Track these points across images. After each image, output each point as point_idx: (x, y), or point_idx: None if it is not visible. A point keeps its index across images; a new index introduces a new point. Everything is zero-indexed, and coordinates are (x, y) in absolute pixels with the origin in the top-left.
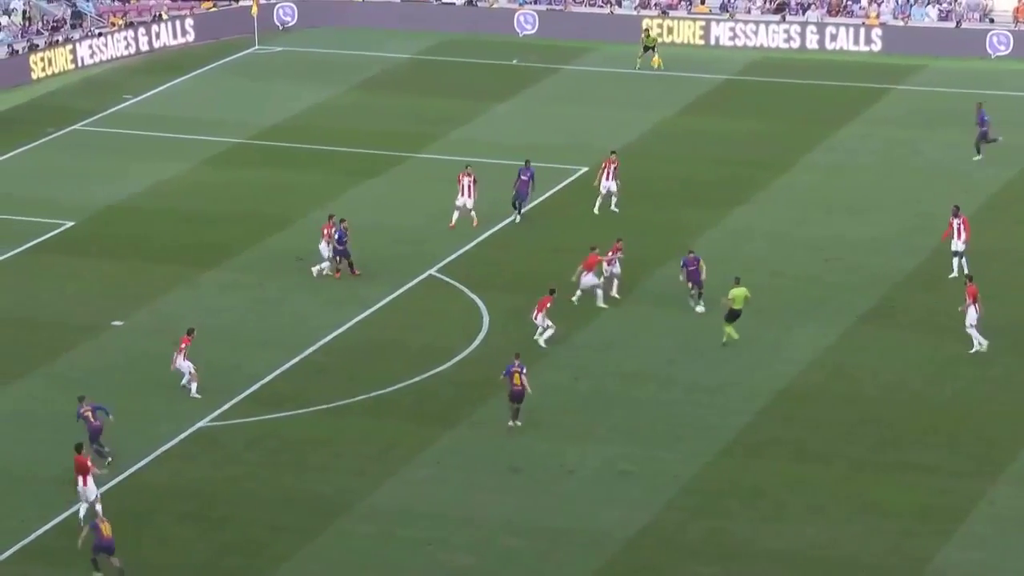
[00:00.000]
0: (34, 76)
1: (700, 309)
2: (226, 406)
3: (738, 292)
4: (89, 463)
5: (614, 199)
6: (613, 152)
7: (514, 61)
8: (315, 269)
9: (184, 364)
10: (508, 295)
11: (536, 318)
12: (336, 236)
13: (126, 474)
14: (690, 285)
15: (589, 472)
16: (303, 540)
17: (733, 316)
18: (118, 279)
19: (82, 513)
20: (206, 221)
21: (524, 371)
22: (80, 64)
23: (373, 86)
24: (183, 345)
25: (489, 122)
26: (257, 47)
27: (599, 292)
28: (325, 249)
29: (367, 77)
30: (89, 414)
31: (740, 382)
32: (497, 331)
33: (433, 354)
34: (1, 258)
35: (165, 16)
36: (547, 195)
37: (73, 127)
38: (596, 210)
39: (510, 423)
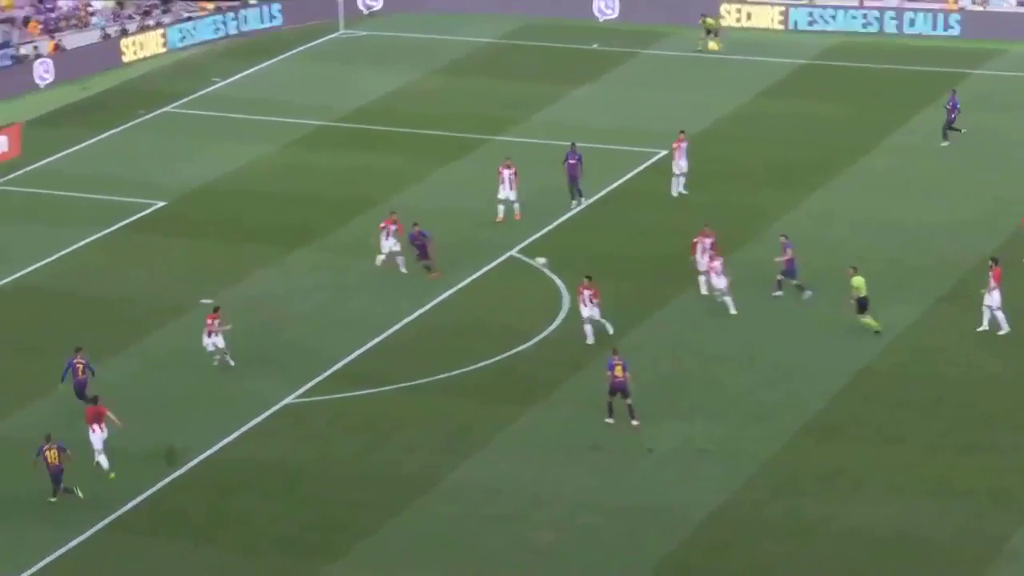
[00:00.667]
0: (125, 59)
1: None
2: (310, 384)
3: (859, 280)
4: (103, 411)
5: (683, 179)
6: (682, 132)
7: (594, 45)
8: (379, 259)
9: (209, 341)
10: (581, 275)
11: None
12: (409, 237)
13: (212, 450)
14: (782, 273)
15: (668, 451)
16: (385, 516)
17: (863, 306)
18: (206, 258)
19: (104, 462)
20: (292, 202)
21: (626, 365)
22: (170, 48)
23: (455, 70)
24: (209, 322)
25: (569, 105)
26: (342, 31)
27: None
28: (386, 244)
29: (449, 61)
30: (80, 366)
31: (819, 363)
32: (576, 311)
33: (513, 334)
34: (93, 237)
35: (253, 0)
36: (625, 178)
37: (163, 109)
38: (673, 192)
39: (608, 419)
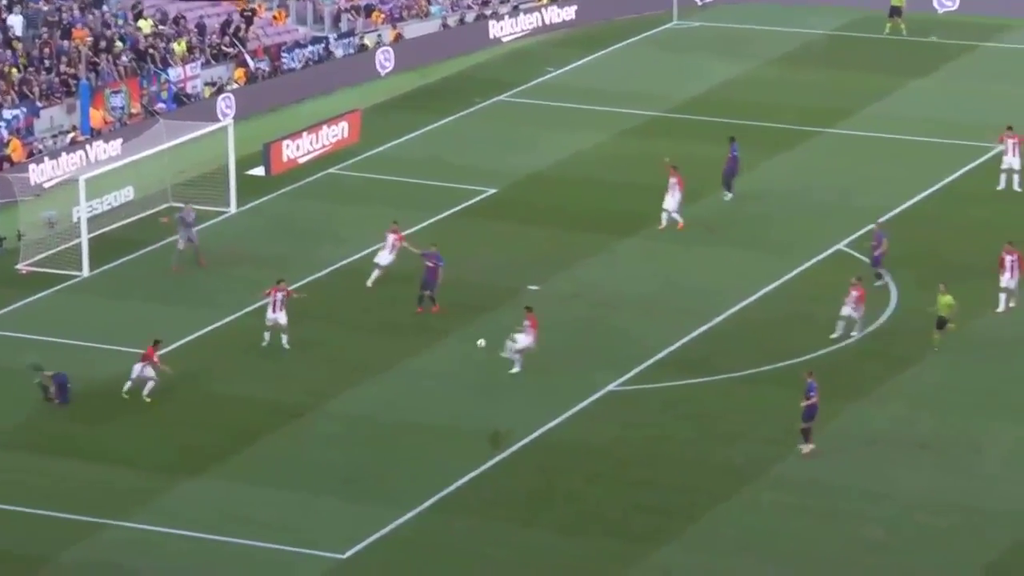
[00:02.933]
0: (461, 49)
1: None
2: (636, 371)
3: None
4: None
5: (1016, 177)
6: (1010, 127)
7: (932, 38)
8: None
9: (272, 316)
10: (914, 270)
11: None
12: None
13: (538, 433)
14: None
15: (1001, 451)
16: (712, 503)
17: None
18: (536, 245)
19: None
20: (623, 191)
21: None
22: (504, 38)
23: (789, 61)
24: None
25: (903, 98)
26: (676, 22)
27: None
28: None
29: (783, 52)
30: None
31: None
32: (905, 305)
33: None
34: (427, 222)
35: None
36: (959, 174)
37: (497, 98)
38: (1000, 187)
39: (805, 448)
